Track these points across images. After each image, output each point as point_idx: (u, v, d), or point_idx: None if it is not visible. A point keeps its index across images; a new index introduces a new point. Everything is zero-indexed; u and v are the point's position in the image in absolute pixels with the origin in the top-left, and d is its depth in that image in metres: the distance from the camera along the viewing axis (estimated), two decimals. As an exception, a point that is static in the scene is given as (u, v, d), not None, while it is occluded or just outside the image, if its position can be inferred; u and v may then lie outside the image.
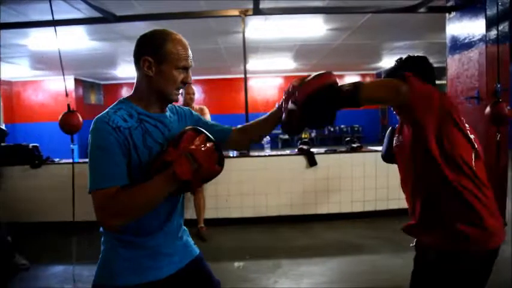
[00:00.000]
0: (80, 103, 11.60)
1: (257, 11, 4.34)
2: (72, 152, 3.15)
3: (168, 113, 1.33)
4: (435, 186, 1.37)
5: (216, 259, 3.18)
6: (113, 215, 1.09)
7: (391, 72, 1.57)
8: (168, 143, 1.18)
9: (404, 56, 1.57)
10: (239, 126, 1.52)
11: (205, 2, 4.63)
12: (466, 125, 1.41)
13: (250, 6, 4.32)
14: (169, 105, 1.35)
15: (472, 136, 1.40)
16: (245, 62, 4.85)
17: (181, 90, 1.29)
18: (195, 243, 1.47)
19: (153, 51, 1.20)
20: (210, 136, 1.17)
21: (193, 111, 1.49)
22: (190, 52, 1.26)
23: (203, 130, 1.18)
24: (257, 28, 6.03)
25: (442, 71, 4.93)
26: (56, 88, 11.23)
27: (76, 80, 11.41)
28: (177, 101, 1.30)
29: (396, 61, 1.58)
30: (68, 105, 2.95)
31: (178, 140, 1.15)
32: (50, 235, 4.30)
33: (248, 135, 1.50)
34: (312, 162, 4.64)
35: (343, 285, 2.99)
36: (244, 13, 4.45)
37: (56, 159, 4.72)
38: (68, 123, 2.95)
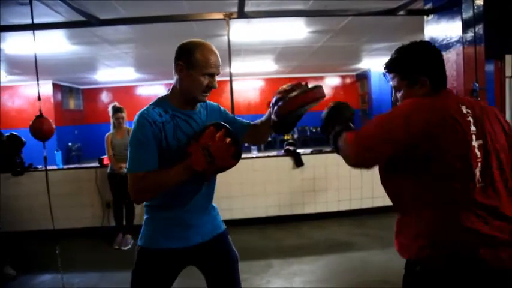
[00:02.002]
0: (59, 108, 11.32)
1: (242, 15, 4.34)
2: (45, 159, 3.01)
3: (198, 109, 1.54)
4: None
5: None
6: (140, 192, 1.39)
7: (391, 65, 1.44)
8: (193, 136, 1.39)
9: (405, 44, 1.41)
10: (253, 123, 1.68)
11: (188, 4, 4.63)
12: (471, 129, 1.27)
13: (234, 9, 4.33)
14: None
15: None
16: (230, 65, 4.86)
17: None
18: None
19: (185, 57, 1.42)
20: (231, 131, 1.33)
21: (221, 107, 1.65)
22: (219, 61, 1.46)
23: (225, 125, 1.35)
24: (239, 31, 6.06)
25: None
26: (34, 93, 10.89)
27: (54, 85, 11.12)
28: (204, 101, 1.52)
29: (397, 50, 1.42)
30: (40, 110, 2.88)
31: (200, 134, 1.34)
32: (34, 244, 4.20)
33: (260, 133, 1.67)
34: (298, 162, 4.70)
35: (334, 282, 3.06)
36: (229, 16, 4.45)
37: (40, 166, 4.61)
38: (39, 129, 2.89)
